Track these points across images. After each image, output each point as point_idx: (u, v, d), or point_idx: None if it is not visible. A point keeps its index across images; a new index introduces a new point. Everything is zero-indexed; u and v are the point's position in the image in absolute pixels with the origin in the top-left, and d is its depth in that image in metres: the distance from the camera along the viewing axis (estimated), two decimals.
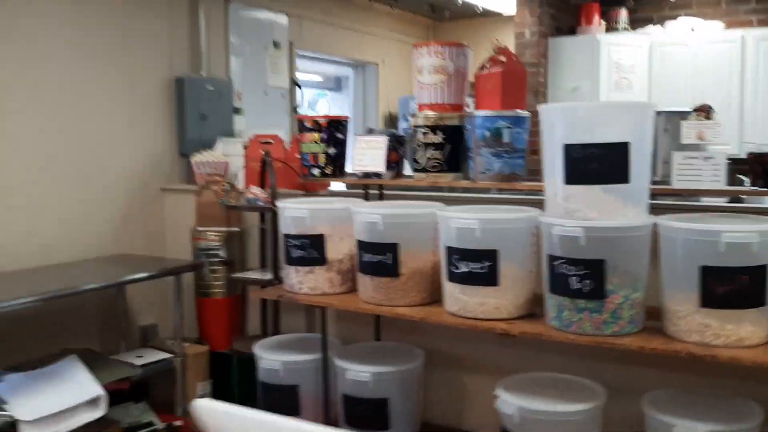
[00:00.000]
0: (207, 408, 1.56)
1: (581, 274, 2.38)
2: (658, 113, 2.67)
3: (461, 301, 2.68)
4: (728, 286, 2.23)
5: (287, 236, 3.09)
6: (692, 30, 6.54)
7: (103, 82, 4.07)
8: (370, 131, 4.12)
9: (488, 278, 2.59)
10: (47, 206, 3.79)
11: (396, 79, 6.90)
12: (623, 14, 6.90)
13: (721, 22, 6.56)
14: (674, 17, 6.72)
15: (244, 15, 5.08)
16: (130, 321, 4.12)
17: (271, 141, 4.02)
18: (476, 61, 3.18)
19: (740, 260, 2.21)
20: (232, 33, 4.96)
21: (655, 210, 2.52)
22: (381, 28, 6.72)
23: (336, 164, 3.40)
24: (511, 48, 4.70)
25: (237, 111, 4.89)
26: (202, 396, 3.78)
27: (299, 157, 3.52)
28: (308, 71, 6.28)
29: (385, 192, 3.51)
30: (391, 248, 2.80)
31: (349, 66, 6.75)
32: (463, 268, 2.63)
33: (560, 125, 2.47)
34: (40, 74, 3.75)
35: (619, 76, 6.65)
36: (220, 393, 3.84)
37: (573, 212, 2.43)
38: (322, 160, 3.37)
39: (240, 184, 4.08)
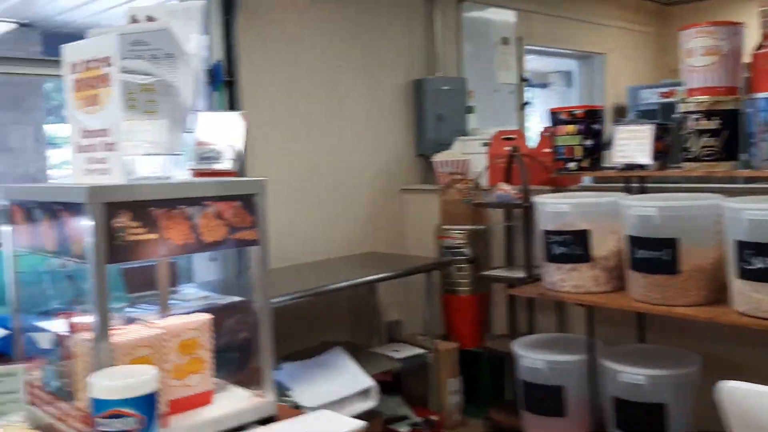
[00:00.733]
0: (737, 389, 1.55)
1: None
2: None
3: (755, 300, 2.43)
4: None
5: (547, 233, 3.02)
6: None
7: (351, 92, 4.28)
8: (630, 120, 3.91)
9: None
10: (306, 210, 4.05)
11: (623, 69, 6.57)
12: None
13: None
14: None
15: (475, 14, 5.09)
16: (379, 316, 4.27)
17: (514, 137, 3.98)
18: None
19: None
20: (463, 33, 4.99)
21: None
22: (607, 17, 6.43)
23: (593, 157, 3.27)
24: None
25: (469, 110, 4.91)
26: (454, 392, 3.82)
27: (551, 151, 3.43)
28: (533, 68, 6.17)
29: (647, 185, 3.31)
30: (670, 243, 2.63)
31: (575, 58, 6.53)
32: (758, 264, 2.39)
33: None
34: (303, 90, 4.02)
35: None
36: (469, 390, 3.86)
37: None
38: (578, 152, 3.26)
39: (484, 181, 4.07)
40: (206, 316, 1.60)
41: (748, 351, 3.02)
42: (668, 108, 5.18)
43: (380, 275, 3.73)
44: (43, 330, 1.93)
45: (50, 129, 6.63)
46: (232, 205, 1.53)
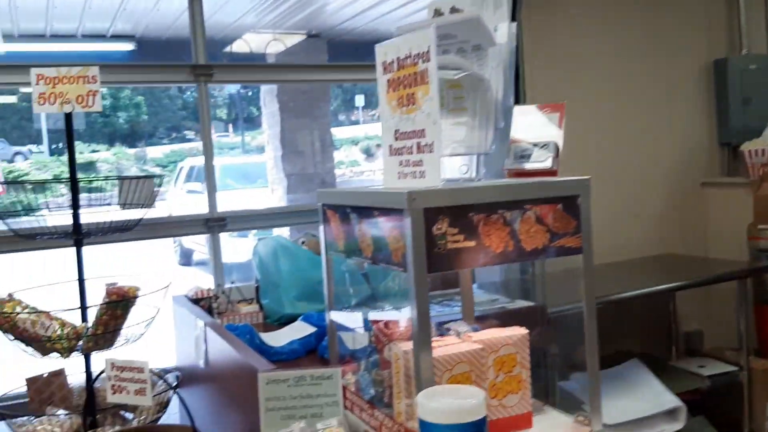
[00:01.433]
0: None
1: None
2: None
3: None
4: None
5: None
6: None
7: (639, 79, 3.89)
8: None
9: None
10: (595, 208, 3.76)
11: None
12: None
13: None
14: None
15: None
16: (676, 325, 3.85)
17: None
18: None
19: None
20: None
21: None
22: None
23: None
24: None
25: None
26: None
27: None
28: None
29: None
30: None
31: None
32: None
33: None
34: (588, 80, 3.75)
35: None
36: None
37: None
38: None
39: None
40: (523, 330, 1.46)
41: None
42: None
43: (680, 283, 3.32)
44: (353, 330, 1.95)
45: (334, 132, 7.09)
46: (554, 209, 1.37)
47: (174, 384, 2.36)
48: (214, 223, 2.94)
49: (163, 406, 2.35)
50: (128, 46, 6.02)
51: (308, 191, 6.90)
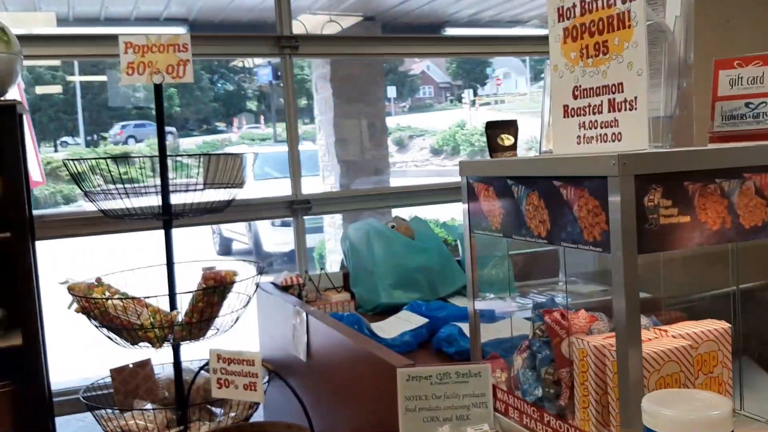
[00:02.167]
0: None
1: None
2: None
3: None
4: None
5: None
6: None
7: None
8: None
9: None
10: None
11: None
12: None
13: None
14: None
15: None
16: None
17: None
18: None
19: None
20: None
21: None
22: None
23: None
24: None
25: None
26: None
27: None
28: None
29: None
30: None
31: None
32: None
33: None
34: None
35: None
36: None
37: None
38: None
39: None
40: (723, 324, 1.25)
41: None
42: None
43: None
44: (494, 320, 1.75)
45: (387, 120, 6.90)
46: None
47: (265, 378, 2.19)
48: (298, 206, 2.76)
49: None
50: (181, 30, 5.90)
51: (363, 178, 6.73)
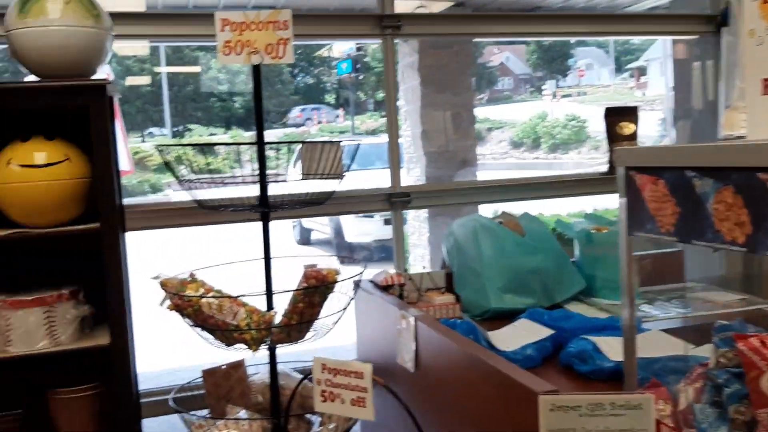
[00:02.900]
0: None
1: None
2: None
3: None
4: None
5: None
6: None
7: None
8: None
9: None
10: None
11: None
12: None
13: None
14: None
15: None
16: None
17: None
18: None
19: None
20: None
21: None
22: None
23: None
24: None
25: None
26: None
27: None
28: None
29: None
30: None
31: None
32: None
33: None
34: None
35: None
36: None
37: None
38: None
39: None
40: None
41: None
42: None
43: None
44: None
45: (477, 111, 6.63)
46: None
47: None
48: (397, 199, 2.56)
49: None
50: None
51: (449, 170, 6.49)
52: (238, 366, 2.13)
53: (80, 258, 2.09)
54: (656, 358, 1.49)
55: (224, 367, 2.11)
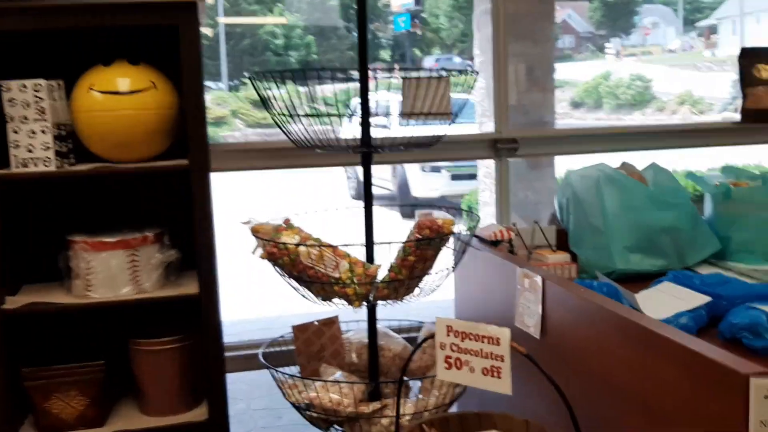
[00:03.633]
0: None
1: None
2: None
3: None
4: None
5: None
6: None
7: None
8: None
9: None
10: None
11: None
12: None
13: None
14: None
15: None
16: None
17: None
18: None
19: None
20: None
21: None
22: None
23: None
24: None
25: None
26: None
27: None
28: None
29: None
30: None
31: None
32: None
33: None
34: None
35: None
36: None
37: None
38: None
39: None
40: None
41: None
42: None
43: None
44: None
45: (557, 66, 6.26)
46: None
47: None
48: (503, 146, 2.31)
49: None
50: None
51: (524, 126, 6.13)
52: (331, 323, 1.94)
53: (163, 199, 1.91)
54: None
55: (316, 323, 1.92)
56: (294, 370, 1.88)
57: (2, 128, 1.64)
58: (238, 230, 1.87)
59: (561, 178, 2.26)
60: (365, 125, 1.73)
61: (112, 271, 1.65)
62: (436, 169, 7.35)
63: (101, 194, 1.88)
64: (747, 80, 2.40)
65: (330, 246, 1.64)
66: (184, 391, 1.78)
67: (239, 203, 7.10)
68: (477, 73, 1.80)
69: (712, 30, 29.78)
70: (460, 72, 1.79)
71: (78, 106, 1.65)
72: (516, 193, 3.96)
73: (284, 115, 1.69)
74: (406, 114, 1.82)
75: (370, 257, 1.74)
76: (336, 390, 1.70)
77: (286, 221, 1.71)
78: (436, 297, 1.86)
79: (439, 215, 1.65)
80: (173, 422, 1.73)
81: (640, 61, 27.14)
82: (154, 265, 1.69)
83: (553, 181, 4.51)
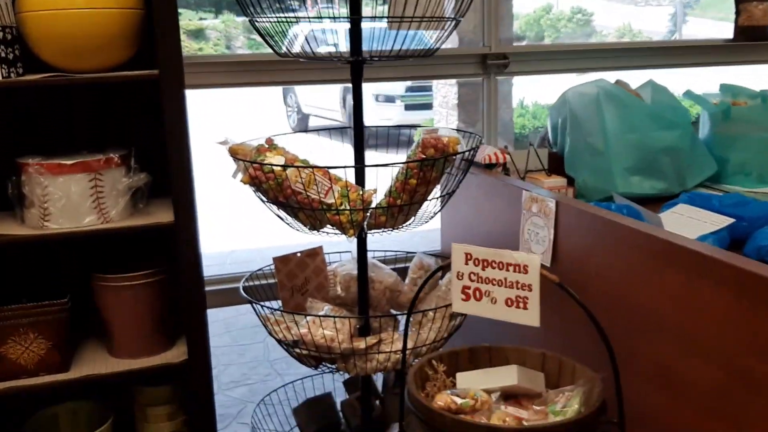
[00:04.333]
0: None
1: None
2: None
3: None
4: None
5: None
6: None
7: None
8: None
9: None
10: None
11: None
12: None
13: None
14: None
15: None
16: None
17: None
18: None
19: None
20: None
21: None
22: None
23: None
24: None
25: None
26: None
27: None
28: None
29: None
30: None
31: None
32: None
33: None
34: None
35: None
36: None
37: None
38: None
39: None
40: None
41: None
42: None
43: None
44: None
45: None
46: None
47: None
48: (492, 61, 2.14)
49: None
50: None
51: None
52: (315, 254, 1.79)
53: (128, 118, 1.69)
54: None
55: (299, 254, 1.77)
56: (275, 305, 1.73)
57: None
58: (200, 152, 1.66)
59: (539, 104, 2.12)
60: (356, 33, 1.54)
61: (72, 199, 1.45)
62: (390, 99, 7.12)
63: (57, 111, 1.65)
64: None
65: (320, 168, 1.48)
66: (157, 331, 1.61)
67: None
68: None
69: None
70: None
71: (23, 3, 1.41)
72: (473, 124, 3.80)
73: (265, 20, 1.49)
74: (396, 20, 1.63)
75: (360, 182, 1.59)
76: (329, 325, 1.56)
77: (269, 141, 1.53)
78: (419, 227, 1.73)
79: (444, 133, 1.49)
80: (147, 365, 1.56)
81: None
82: (120, 191, 1.50)
83: (510, 112, 4.36)
